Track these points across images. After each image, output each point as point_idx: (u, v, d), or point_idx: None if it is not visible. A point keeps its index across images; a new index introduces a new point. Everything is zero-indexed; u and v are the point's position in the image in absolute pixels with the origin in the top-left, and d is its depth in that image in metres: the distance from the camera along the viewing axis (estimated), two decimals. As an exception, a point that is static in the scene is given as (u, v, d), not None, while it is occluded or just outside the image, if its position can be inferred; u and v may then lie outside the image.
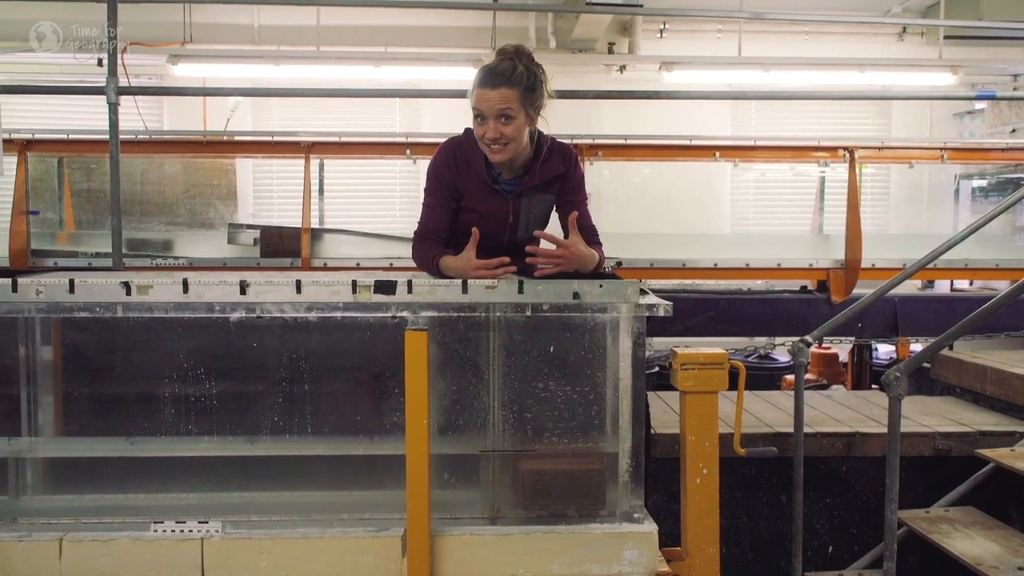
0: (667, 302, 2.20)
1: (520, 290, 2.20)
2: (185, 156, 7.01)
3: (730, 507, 3.71)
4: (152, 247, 5.45)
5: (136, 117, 7.26)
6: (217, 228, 7.12)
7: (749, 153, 5.92)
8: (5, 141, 4.57)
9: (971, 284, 6.55)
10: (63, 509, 2.32)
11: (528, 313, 2.23)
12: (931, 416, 4.20)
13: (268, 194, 8.67)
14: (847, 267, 5.19)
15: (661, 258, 5.27)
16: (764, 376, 6.44)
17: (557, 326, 2.26)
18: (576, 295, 2.20)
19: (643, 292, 2.27)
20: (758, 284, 5.82)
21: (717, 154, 5.54)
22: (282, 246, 5.16)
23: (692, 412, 2.30)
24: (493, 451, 2.30)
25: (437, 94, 5.63)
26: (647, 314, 2.21)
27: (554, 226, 2.77)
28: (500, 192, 2.69)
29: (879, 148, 5.90)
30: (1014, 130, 7.92)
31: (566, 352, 2.27)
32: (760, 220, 8.94)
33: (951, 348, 4.74)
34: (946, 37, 7.74)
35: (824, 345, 6.85)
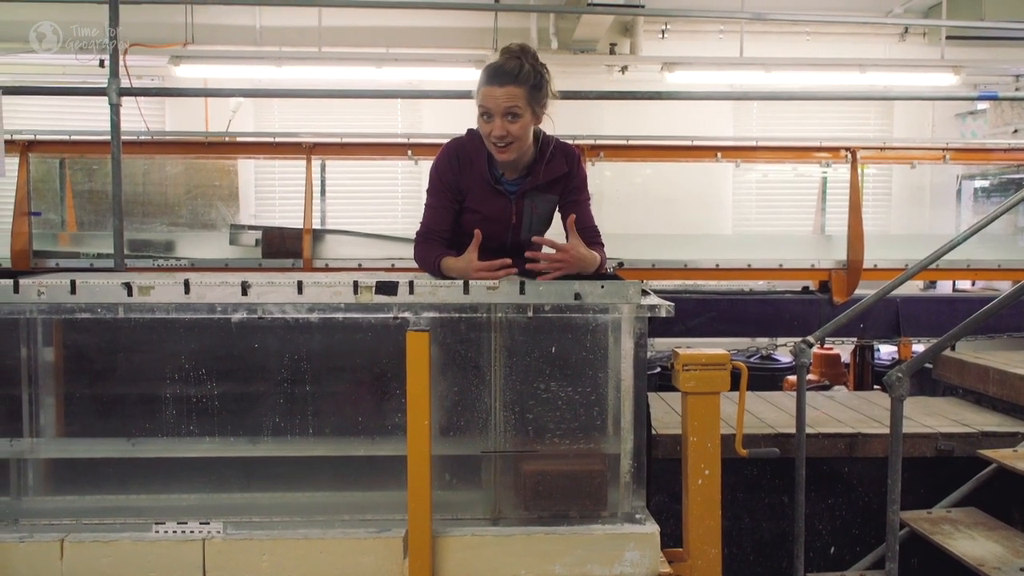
0: (669, 303, 2.20)
1: (522, 291, 2.20)
2: (187, 157, 7.00)
3: (732, 508, 3.70)
4: (154, 248, 5.45)
5: (138, 118, 7.25)
6: (219, 229, 7.11)
7: (751, 154, 5.92)
8: (7, 142, 4.56)
9: (973, 285, 6.54)
10: (65, 510, 2.32)
11: (530, 314, 2.23)
12: (933, 417, 4.19)
13: (270, 195, 8.67)
14: (849, 268, 5.18)
15: (663, 259, 5.27)
16: (766, 377, 6.44)
17: (559, 327, 2.25)
18: (578, 296, 2.20)
19: (645, 293, 2.27)
20: (760, 285, 5.82)
21: (719, 155, 5.54)
22: (284, 247, 5.16)
23: (694, 413, 2.30)
24: (495, 452, 2.30)
25: (438, 95, 5.64)
26: (649, 315, 2.21)
27: (557, 226, 2.77)
28: (503, 193, 2.68)
29: (881, 149, 5.90)
30: (1016, 130, 7.90)
31: (568, 353, 2.27)
32: (762, 221, 8.93)
33: (953, 349, 4.74)
34: (948, 37, 7.73)
35: (826, 346, 6.84)
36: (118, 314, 2.18)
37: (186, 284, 2.14)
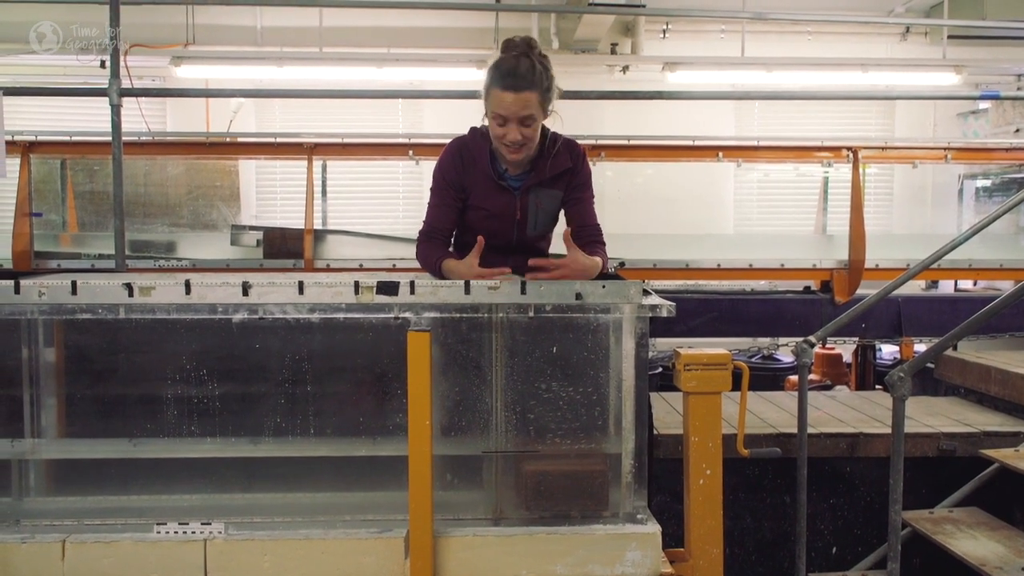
0: (670, 303, 2.20)
1: (523, 291, 2.19)
2: (188, 158, 7.01)
3: (734, 508, 3.70)
4: (155, 249, 5.46)
5: (139, 119, 7.27)
6: (220, 229, 7.12)
7: (752, 153, 5.91)
8: (8, 143, 4.57)
9: (975, 284, 6.54)
10: (66, 511, 2.32)
11: (531, 314, 2.23)
12: (935, 416, 4.19)
13: (271, 195, 8.68)
14: (851, 267, 5.18)
15: (664, 259, 5.27)
16: (768, 377, 6.44)
17: (560, 327, 2.25)
18: (579, 296, 2.20)
19: (646, 293, 2.26)
20: (761, 284, 5.82)
21: (720, 154, 5.53)
22: (285, 247, 5.16)
23: (695, 413, 2.30)
24: (496, 452, 2.30)
25: (439, 95, 5.64)
26: (650, 315, 2.20)
27: (562, 223, 2.76)
28: (507, 189, 2.68)
29: (883, 148, 5.90)
30: (1018, 130, 7.89)
31: (569, 353, 2.27)
32: (763, 220, 8.93)
33: (955, 348, 4.73)
34: (950, 37, 7.72)
35: (828, 346, 6.84)
36: (119, 315, 2.18)
37: (187, 285, 2.14)
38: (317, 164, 5.69)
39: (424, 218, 2.74)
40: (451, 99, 5.76)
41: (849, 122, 8.99)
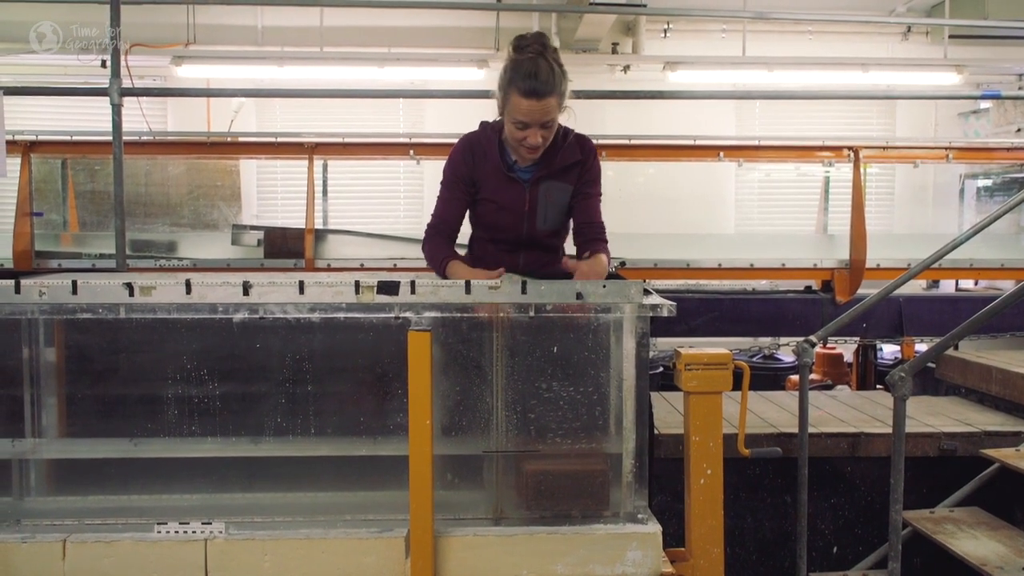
0: (671, 302, 2.20)
1: (523, 290, 2.19)
2: (189, 157, 7.01)
3: (734, 507, 3.70)
4: (156, 248, 5.45)
5: (140, 118, 7.27)
6: (221, 229, 7.12)
7: (753, 153, 5.91)
8: (9, 142, 4.58)
9: (976, 284, 6.53)
10: (67, 510, 2.32)
11: (531, 314, 2.22)
12: (936, 416, 4.19)
13: (272, 195, 8.68)
14: (852, 267, 5.17)
15: (665, 258, 5.27)
16: (768, 376, 6.43)
17: (560, 326, 2.25)
18: (579, 295, 2.19)
19: (647, 292, 2.26)
20: (762, 284, 5.81)
21: (721, 154, 5.52)
22: (286, 247, 5.16)
23: (696, 412, 2.30)
24: (496, 452, 2.30)
25: (441, 94, 5.66)
26: (651, 314, 2.20)
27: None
28: (517, 180, 2.69)
29: (884, 148, 5.89)
30: (1019, 129, 7.89)
31: (569, 352, 2.26)
32: (764, 220, 8.92)
33: (956, 348, 4.73)
34: (951, 36, 7.72)
35: (829, 345, 6.84)
36: (120, 314, 2.18)
37: (187, 284, 2.14)
38: (318, 164, 5.69)
39: (433, 211, 2.77)
40: (452, 99, 5.77)
41: (850, 122, 8.99)
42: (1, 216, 7.06)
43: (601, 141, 5.69)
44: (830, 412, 4.34)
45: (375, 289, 2.17)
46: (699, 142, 5.91)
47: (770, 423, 4.07)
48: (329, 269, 5.07)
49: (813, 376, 6.45)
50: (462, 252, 2.79)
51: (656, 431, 3.60)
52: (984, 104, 8.42)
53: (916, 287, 5.86)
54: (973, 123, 8.84)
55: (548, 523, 2.26)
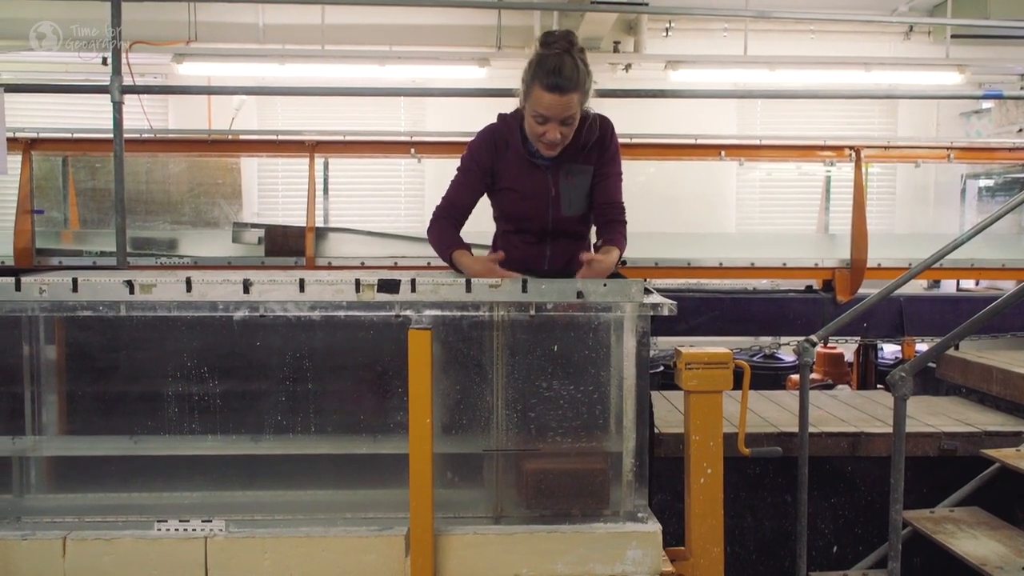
0: (672, 301, 2.20)
1: (524, 289, 2.19)
2: (190, 155, 7.01)
3: (734, 507, 3.70)
4: (157, 246, 5.45)
5: (141, 116, 7.28)
6: (222, 227, 7.12)
7: (755, 152, 5.90)
8: (10, 140, 4.57)
9: (977, 284, 6.52)
10: (67, 508, 2.32)
11: (532, 312, 2.22)
12: (936, 416, 4.18)
13: (273, 193, 8.68)
14: (853, 267, 5.17)
15: (666, 257, 5.26)
16: (769, 376, 6.43)
17: (561, 325, 2.25)
18: (580, 294, 2.19)
19: (647, 291, 2.26)
20: (763, 283, 5.80)
21: (722, 153, 5.51)
22: (287, 245, 5.15)
23: (696, 412, 2.30)
24: (497, 450, 2.30)
25: (441, 93, 5.66)
26: (651, 313, 2.20)
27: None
28: (539, 167, 2.69)
29: (885, 147, 5.89)
30: (1021, 129, 7.88)
31: (570, 351, 2.26)
32: (765, 219, 8.92)
33: (957, 348, 4.72)
34: (953, 36, 7.72)
35: (829, 345, 6.84)
36: (120, 312, 2.18)
37: (188, 282, 2.14)
38: (319, 162, 5.68)
39: (444, 194, 2.75)
40: (453, 97, 5.77)
41: (852, 121, 8.98)
42: (2, 214, 7.06)
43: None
44: (830, 411, 4.34)
45: (375, 287, 2.17)
46: (700, 141, 5.91)
47: (770, 422, 4.07)
48: (330, 267, 5.06)
49: (814, 375, 6.44)
50: (472, 247, 2.76)
51: (656, 430, 3.60)
52: (986, 104, 8.41)
53: (917, 287, 5.86)
54: (975, 123, 8.83)
55: (548, 522, 2.26)
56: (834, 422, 4.11)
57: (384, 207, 8.70)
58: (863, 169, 5.29)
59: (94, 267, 4.99)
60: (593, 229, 2.84)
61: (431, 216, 2.75)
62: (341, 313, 2.21)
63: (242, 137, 7.14)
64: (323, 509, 2.31)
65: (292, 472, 2.39)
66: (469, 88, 6.52)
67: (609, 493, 2.29)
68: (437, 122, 8.39)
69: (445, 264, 2.71)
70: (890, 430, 3.05)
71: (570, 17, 8.02)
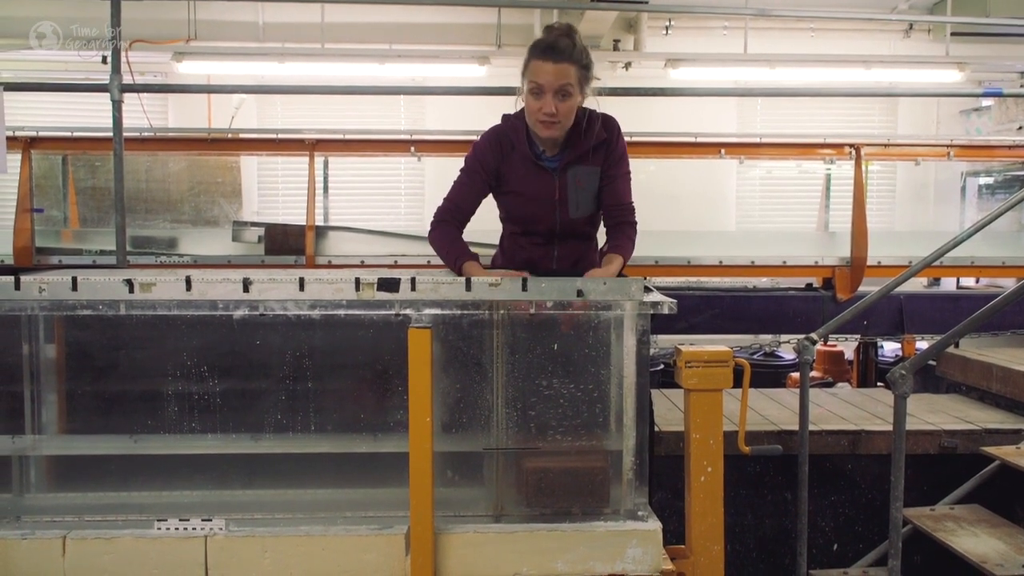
0: (672, 300, 2.19)
1: (524, 288, 2.19)
2: (190, 153, 7.01)
3: (735, 505, 3.69)
4: (156, 245, 5.45)
5: (141, 115, 7.27)
6: (221, 226, 7.12)
7: (755, 150, 5.90)
8: (9, 138, 4.57)
9: (977, 282, 6.52)
10: (67, 507, 2.32)
11: (532, 311, 2.22)
12: (937, 414, 4.18)
13: (273, 191, 8.68)
14: (853, 264, 5.16)
15: (666, 255, 5.25)
16: (769, 374, 6.42)
17: (561, 323, 2.25)
18: (580, 293, 2.19)
19: (647, 290, 2.26)
20: (763, 281, 5.81)
21: (723, 151, 5.51)
22: (286, 243, 5.15)
23: (696, 410, 2.30)
24: (497, 449, 2.30)
25: (442, 91, 5.65)
26: (651, 311, 2.20)
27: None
28: (545, 169, 2.67)
29: (885, 145, 5.88)
30: (1021, 127, 7.88)
31: (570, 350, 2.26)
32: (766, 217, 8.92)
33: (957, 346, 4.72)
34: (953, 34, 7.71)
35: (829, 343, 6.83)
36: (120, 311, 2.18)
37: (187, 281, 2.14)
38: (319, 160, 5.68)
39: (447, 195, 2.72)
40: (453, 95, 5.76)
41: (852, 119, 8.98)
42: (1, 212, 7.06)
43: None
44: (831, 409, 4.33)
45: (375, 286, 2.17)
46: (700, 139, 5.90)
47: (771, 420, 4.07)
48: (330, 266, 5.06)
49: (814, 373, 6.44)
50: (472, 246, 2.75)
51: (656, 428, 3.59)
52: (986, 102, 8.40)
53: (917, 285, 5.87)
54: (975, 120, 8.82)
55: (548, 520, 2.26)
56: (834, 420, 4.10)
57: (384, 205, 8.70)
58: (863, 167, 5.28)
59: (94, 266, 4.99)
60: (602, 229, 2.84)
61: (433, 217, 2.73)
62: (341, 312, 2.21)
63: (242, 136, 7.13)
64: (323, 508, 2.31)
65: (292, 471, 2.39)
66: (469, 86, 6.52)
67: (609, 491, 2.29)
68: (437, 120, 8.39)
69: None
70: (890, 428, 3.05)
71: (570, 15, 8.01)
